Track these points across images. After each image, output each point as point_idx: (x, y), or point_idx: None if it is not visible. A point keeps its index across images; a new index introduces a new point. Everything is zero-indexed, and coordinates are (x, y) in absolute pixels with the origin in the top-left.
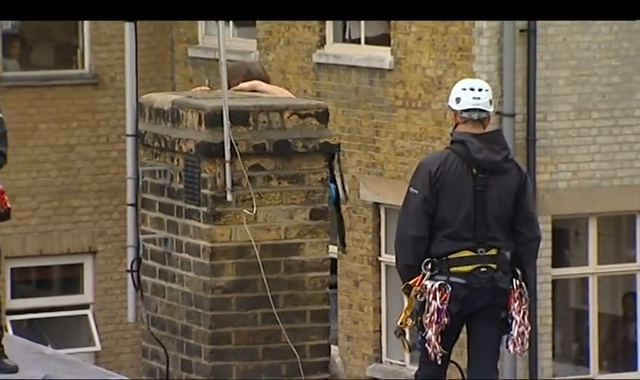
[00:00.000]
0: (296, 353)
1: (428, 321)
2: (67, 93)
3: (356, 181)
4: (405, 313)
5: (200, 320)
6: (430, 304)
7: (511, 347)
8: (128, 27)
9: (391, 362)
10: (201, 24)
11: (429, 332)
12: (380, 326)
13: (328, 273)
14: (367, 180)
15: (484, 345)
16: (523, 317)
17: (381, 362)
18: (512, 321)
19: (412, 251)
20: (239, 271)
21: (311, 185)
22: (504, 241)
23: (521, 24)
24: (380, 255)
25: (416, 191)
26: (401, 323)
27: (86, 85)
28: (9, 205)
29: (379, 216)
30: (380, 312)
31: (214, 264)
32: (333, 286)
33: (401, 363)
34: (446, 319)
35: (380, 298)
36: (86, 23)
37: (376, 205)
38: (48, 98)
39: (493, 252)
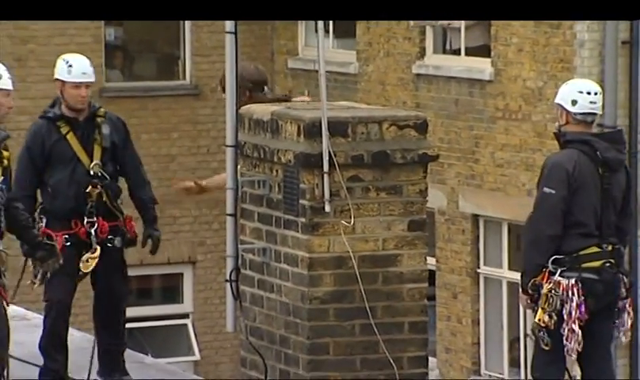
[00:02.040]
0: (394, 364)
1: (568, 316)
2: (169, 103)
3: (455, 193)
4: (543, 309)
5: (298, 330)
6: (570, 300)
7: (622, 337)
8: (229, 38)
9: (490, 375)
10: (301, 35)
11: (574, 327)
12: (479, 338)
13: (426, 284)
14: (467, 192)
15: (605, 339)
16: (632, 309)
17: (479, 374)
18: (624, 313)
19: (546, 250)
20: (337, 282)
21: (409, 196)
22: (617, 236)
23: (623, 35)
24: (479, 267)
25: (553, 191)
26: (539, 320)
27: (187, 96)
28: (136, 233)
29: (478, 228)
30: (478, 324)
31: (312, 275)
32: (432, 298)
33: (500, 376)
34: (585, 314)
35: (478, 310)
36: (187, 34)
37: (475, 217)
38: (150, 109)
39: (613, 247)
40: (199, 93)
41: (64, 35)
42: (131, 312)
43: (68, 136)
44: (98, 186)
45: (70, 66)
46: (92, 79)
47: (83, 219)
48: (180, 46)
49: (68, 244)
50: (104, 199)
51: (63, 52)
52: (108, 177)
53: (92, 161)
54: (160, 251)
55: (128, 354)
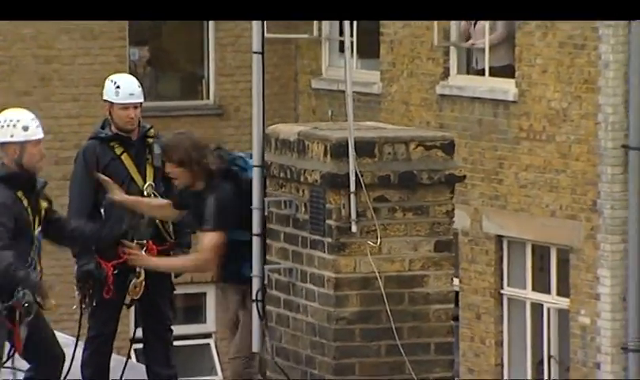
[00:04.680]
0: None
1: None
2: (192, 123)
3: (478, 213)
4: None
5: (324, 350)
6: None
7: None
8: (255, 58)
9: None
10: (325, 55)
11: None
12: (502, 359)
13: (452, 305)
14: (490, 213)
15: None
16: None
17: None
18: None
19: None
20: (363, 303)
21: (436, 217)
22: None
23: None
24: (502, 288)
25: None
26: None
27: (211, 116)
28: None
29: (502, 249)
30: (502, 345)
31: (338, 295)
32: (455, 318)
33: None
34: None
35: (502, 332)
36: (212, 54)
37: (499, 237)
38: (174, 128)
39: None
40: (222, 112)
41: (88, 55)
42: None
43: (123, 156)
44: None
45: (118, 87)
46: (140, 100)
47: (133, 241)
48: (204, 65)
49: (116, 272)
50: (156, 221)
51: (87, 72)
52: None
53: (145, 182)
54: None
55: None
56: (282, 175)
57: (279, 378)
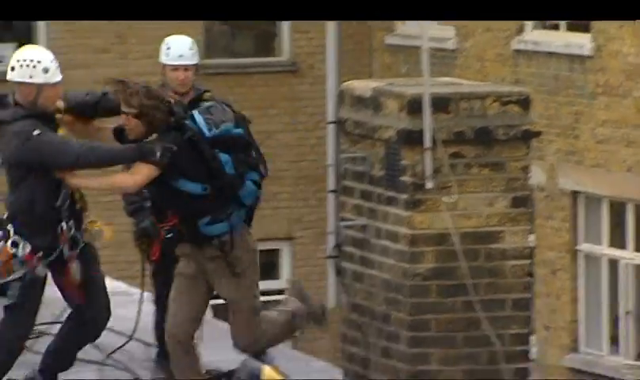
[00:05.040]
0: (496, 342)
1: None
2: (267, 80)
3: (554, 169)
4: None
5: (399, 307)
6: None
7: None
8: None
9: (589, 353)
10: None
11: None
12: (577, 316)
13: (529, 261)
14: (566, 168)
15: None
16: None
17: (578, 352)
18: None
19: None
20: (439, 259)
21: (512, 172)
22: None
23: None
24: (577, 244)
25: None
26: None
27: (285, 73)
28: None
29: (577, 204)
30: (577, 302)
31: (413, 251)
32: (530, 274)
33: (600, 353)
34: None
35: (577, 288)
36: None
37: (574, 193)
38: (248, 85)
39: None
40: (297, 69)
41: None
42: None
43: None
44: None
45: (169, 48)
46: (190, 62)
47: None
48: (278, 22)
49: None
50: None
51: (162, 29)
52: None
53: None
54: (258, 227)
55: (228, 329)
56: (357, 132)
57: (353, 334)
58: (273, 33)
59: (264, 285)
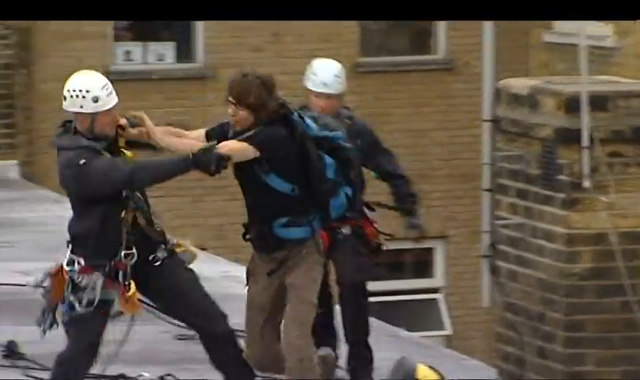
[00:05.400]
0: None
1: None
2: (422, 78)
3: None
4: None
5: (554, 307)
6: None
7: None
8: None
9: None
10: None
11: None
12: None
13: None
14: None
15: None
16: None
17: None
18: None
19: None
20: (596, 259)
21: None
22: None
23: None
24: None
25: None
26: None
27: (440, 71)
28: (380, 241)
29: None
30: None
31: (570, 251)
32: None
33: None
34: None
35: None
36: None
37: None
38: (404, 83)
39: None
40: (452, 67)
41: None
42: (383, 285)
43: None
44: None
45: (314, 74)
46: (333, 91)
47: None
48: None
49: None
50: None
51: (318, 27)
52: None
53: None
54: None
55: (382, 327)
56: (513, 130)
57: (508, 334)
58: (429, 31)
59: (417, 283)
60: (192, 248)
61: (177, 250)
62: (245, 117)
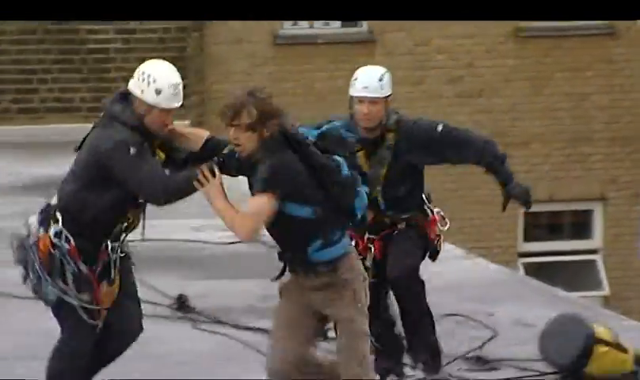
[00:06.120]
0: None
1: None
2: (583, 42)
3: None
4: None
5: None
6: None
7: None
8: None
9: None
10: None
11: None
12: None
13: None
14: None
15: None
16: None
17: None
18: None
19: None
20: None
21: None
22: None
23: None
24: None
25: None
26: None
27: (602, 36)
28: (439, 246)
29: None
30: None
31: None
32: None
33: None
34: None
35: None
36: None
37: None
38: (564, 48)
39: None
40: (614, 31)
41: None
42: (541, 247)
43: (358, 154)
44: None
45: (355, 79)
46: (375, 94)
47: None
48: None
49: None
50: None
51: None
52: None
53: (374, 188)
54: (570, 188)
55: (540, 287)
56: None
57: None
58: None
59: (576, 245)
60: None
61: None
62: (248, 139)
